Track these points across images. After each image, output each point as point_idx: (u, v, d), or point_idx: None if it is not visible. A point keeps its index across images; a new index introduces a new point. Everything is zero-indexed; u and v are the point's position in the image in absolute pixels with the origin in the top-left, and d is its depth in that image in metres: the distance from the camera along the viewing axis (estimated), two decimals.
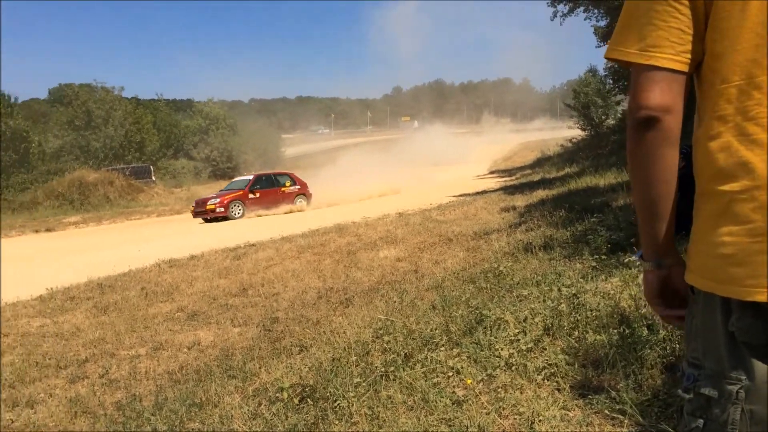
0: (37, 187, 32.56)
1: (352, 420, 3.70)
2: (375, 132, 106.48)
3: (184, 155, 44.86)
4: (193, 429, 4.34)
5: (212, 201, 23.76)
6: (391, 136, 72.81)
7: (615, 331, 3.85)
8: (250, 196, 24.33)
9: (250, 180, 25.53)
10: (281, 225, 16.35)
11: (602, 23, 25.55)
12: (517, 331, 4.29)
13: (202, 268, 10.86)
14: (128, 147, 39.87)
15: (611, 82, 30.88)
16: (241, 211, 23.83)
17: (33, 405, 5.40)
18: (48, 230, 26.25)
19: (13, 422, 5.06)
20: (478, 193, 18.87)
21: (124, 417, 4.82)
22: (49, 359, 6.63)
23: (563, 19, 25.64)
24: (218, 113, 45.75)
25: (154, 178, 36.28)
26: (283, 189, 25.26)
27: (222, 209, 23.45)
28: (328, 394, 4.03)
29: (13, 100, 38.27)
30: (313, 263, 10.10)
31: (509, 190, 18.25)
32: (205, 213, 23.57)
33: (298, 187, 25.76)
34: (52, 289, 10.25)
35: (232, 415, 4.34)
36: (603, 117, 32.97)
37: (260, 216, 23.33)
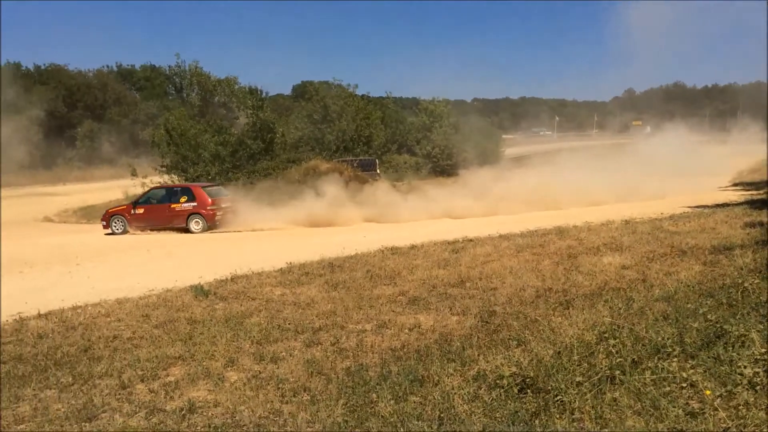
0: (278, 173, 35.94)
1: (574, 416, 3.69)
2: (601, 136, 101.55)
3: (407, 151, 46.69)
4: (415, 401, 4.60)
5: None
6: (619, 141, 69.16)
7: None
8: (133, 211, 21.77)
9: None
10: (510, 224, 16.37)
11: None
12: (763, 350, 3.94)
13: (422, 258, 11.31)
14: (357, 140, 42.49)
15: None
16: (123, 227, 21.51)
17: (276, 361, 6.08)
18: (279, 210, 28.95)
19: (260, 373, 5.75)
20: (717, 206, 17.25)
21: (352, 382, 5.26)
22: (289, 324, 7.40)
23: None
24: (442, 111, 46.94)
25: (378, 171, 38.25)
26: (174, 206, 21.75)
27: (104, 223, 21.86)
28: (549, 387, 4.05)
29: (264, 95, 42.61)
30: (532, 262, 10.03)
31: (756, 204, 16.45)
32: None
33: (194, 204, 21.62)
34: (290, 263, 11.37)
35: (452, 395, 4.53)
36: None
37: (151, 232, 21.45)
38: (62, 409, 5.15)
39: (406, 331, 6.85)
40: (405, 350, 6.12)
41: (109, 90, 64.85)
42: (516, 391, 4.33)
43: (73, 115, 61.26)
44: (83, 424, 4.85)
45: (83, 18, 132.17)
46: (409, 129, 48.20)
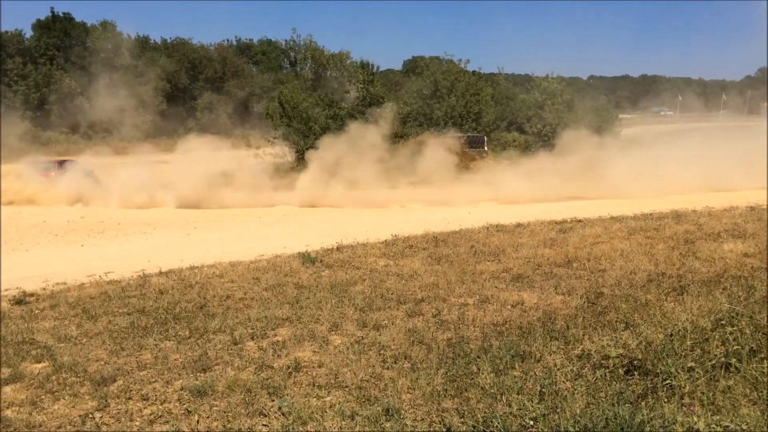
0: (388, 148, 36.24)
1: (683, 401, 3.54)
2: (728, 117, 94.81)
3: (517, 128, 45.74)
4: (515, 376, 4.57)
5: None
6: (748, 123, 64.44)
7: None
8: None
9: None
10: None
11: None
12: None
13: (527, 236, 11.11)
14: (466, 117, 42.08)
15: None
16: None
17: (378, 328, 6.21)
18: (391, 188, 29.21)
19: (362, 339, 5.89)
20: None
21: (453, 353, 5.29)
22: (391, 294, 7.51)
23: None
24: (555, 89, 45.56)
25: (486, 148, 37.77)
26: None
27: None
28: (658, 370, 3.91)
29: (374, 69, 42.95)
30: (644, 246, 9.62)
31: None
32: None
33: None
34: (395, 236, 11.51)
35: (554, 371, 4.46)
36: None
37: None
38: (179, 360, 5.51)
39: (509, 307, 6.78)
40: (507, 326, 6.07)
41: (228, 63, 67.45)
42: (622, 372, 4.21)
43: (195, 86, 64.28)
44: (198, 374, 5.18)
45: None
46: (520, 106, 47.14)
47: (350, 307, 6.94)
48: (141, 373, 5.24)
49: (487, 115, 43.63)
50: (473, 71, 47.64)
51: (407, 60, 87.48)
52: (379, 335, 5.97)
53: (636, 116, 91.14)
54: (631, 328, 5.41)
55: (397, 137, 38.88)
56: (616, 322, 5.77)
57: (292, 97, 32.74)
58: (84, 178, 22.68)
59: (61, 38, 57.78)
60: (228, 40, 75.08)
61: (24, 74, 53.38)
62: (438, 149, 29.24)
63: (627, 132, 51.50)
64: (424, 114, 42.97)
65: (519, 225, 12.42)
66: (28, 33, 58.79)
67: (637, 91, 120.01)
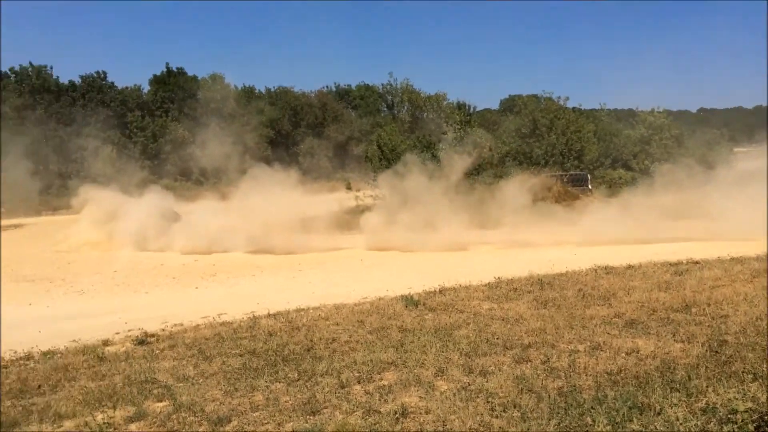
0: (483, 189, 36.10)
1: None
2: None
3: (623, 165, 44.34)
4: (635, 429, 4.34)
5: None
6: None
7: None
8: None
9: None
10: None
11: None
12: None
13: (639, 279, 10.65)
14: (567, 155, 41.26)
15: None
16: None
17: (485, 374, 6.09)
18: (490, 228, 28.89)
19: (469, 385, 5.79)
20: None
21: (565, 403, 5.09)
22: (497, 339, 7.37)
23: None
24: (662, 123, 44.02)
25: (590, 186, 36.78)
26: None
27: None
28: None
29: (471, 109, 43.15)
30: None
31: None
32: None
33: None
34: (498, 278, 11.34)
35: (677, 426, 4.20)
36: None
37: None
38: (290, 402, 5.62)
39: (623, 355, 6.48)
40: (622, 375, 5.79)
41: (328, 109, 69.87)
42: (752, 428, 3.92)
43: (297, 132, 66.87)
44: (308, 417, 5.25)
45: (306, 44, 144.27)
46: (625, 142, 45.76)
47: (455, 352, 6.86)
48: (254, 414, 5.38)
49: (590, 153, 42.57)
50: (573, 108, 46.84)
51: (504, 99, 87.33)
52: (486, 382, 5.85)
53: (752, 149, 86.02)
54: (760, 380, 5.04)
55: (496, 177, 38.69)
56: (742, 372, 5.39)
57: (390, 140, 33.36)
58: (157, 221, 23.53)
59: (174, 91, 61.93)
60: (327, 87, 77.94)
61: (142, 126, 57.46)
62: (536, 188, 28.69)
63: (743, 166, 48.70)
64: (523, 153, 42.53)
65: (630, 267, 11.93)
66: (146, 87, 63.46)
67: (751, 123, 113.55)
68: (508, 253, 17.14)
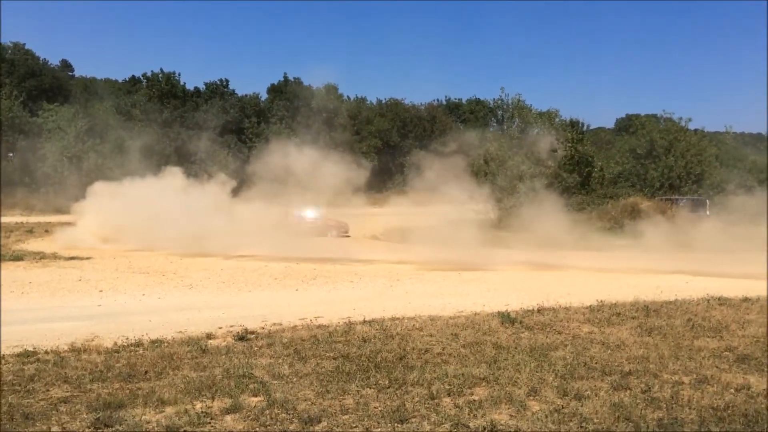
0: (593, 209, 34.90)
1: None
2: None
3: (747, 192, 41.57)
4: None
5: None
6: None
7: None
8: None
9: None
10: None
11: None
12: None
13: (756, 312, 9.98)
14: (686, 178, 39.19)
15: None
16: None
17: (580, 398, 5.89)
18: (596, 250, 27.86)
19: (563, 408, 5.62)
20: None
21: None
22: (595, 363, 7.11)
23: None
24: None
25: (708, 212, 34.76)
26: None
27: None
28: None
29: (584, 128, 41.90)
30: None
31: None
32: None
33: None
34: (601, 301, 10.93)
35: None
36: None
37: None
38: (379, 408, 5.67)
39: (732, 390, 6.09)
40: (729, 411, 5.45)
41: (437, 122, 70.04)
42: None
43: (404, 144, 67.45)
44: (396, 424, 5.28)
45: (421, 58, 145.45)
46: (751, 168, 42.91)
47: (550, 373, 6.69)
48: (343, 417, 5.47)
49: (711, 177, 40.18)
50: (695, 130, 44.44)
51: (620, 118, 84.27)
52: (581, 406, 5.66)
53: None
54: None
55: (607, 197, 37.33)
56: None
57: (498, 155, 32.98)
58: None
59: (290, 100, 64.23)
60: (438, 100, 78.18)
61: (258, 132, 59.89)
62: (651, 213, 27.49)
63: None
64: (637, 174, 40.82)
65: (746, 299, 11.18)
66: (263, 95, 66.32)
67: None
68: (612, 276, 16.44)
